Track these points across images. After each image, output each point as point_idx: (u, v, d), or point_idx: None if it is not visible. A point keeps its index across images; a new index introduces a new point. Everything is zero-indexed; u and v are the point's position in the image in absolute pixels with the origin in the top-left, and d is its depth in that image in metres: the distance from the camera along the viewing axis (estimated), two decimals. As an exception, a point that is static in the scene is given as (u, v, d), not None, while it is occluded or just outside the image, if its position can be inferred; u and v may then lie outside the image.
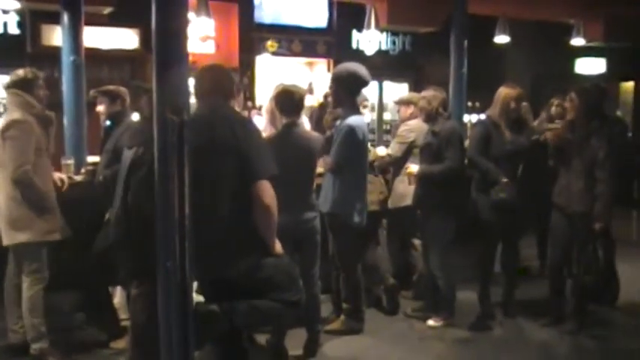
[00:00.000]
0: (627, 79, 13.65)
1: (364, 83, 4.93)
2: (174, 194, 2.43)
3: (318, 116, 6.40)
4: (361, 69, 4.90)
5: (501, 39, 8.07)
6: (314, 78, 11.33)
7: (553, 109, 6.27)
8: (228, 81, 3.39)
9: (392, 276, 5.66)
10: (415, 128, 5.65)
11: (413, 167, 5.33)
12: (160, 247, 2.51)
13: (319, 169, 4.90)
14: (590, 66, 12.79)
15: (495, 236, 5.38)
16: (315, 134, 4.90)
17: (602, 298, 5.64)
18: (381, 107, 11.92)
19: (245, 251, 3.03)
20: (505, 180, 5.13)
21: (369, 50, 10.16)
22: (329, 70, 11.20)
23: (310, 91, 11.01)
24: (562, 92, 5.98)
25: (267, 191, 3.05)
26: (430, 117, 5.28)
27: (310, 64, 11.84)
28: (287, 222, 4.08)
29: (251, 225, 3.06)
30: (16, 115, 4.34)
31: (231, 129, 3.07)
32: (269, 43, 10.94)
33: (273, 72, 10.88)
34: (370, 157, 5.35)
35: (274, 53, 10.99)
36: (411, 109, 5.86)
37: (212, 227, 2.94)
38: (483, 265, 5.47)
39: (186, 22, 2.64)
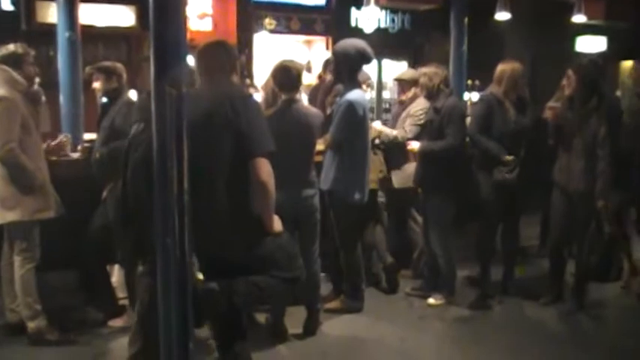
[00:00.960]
0: (628, 58, 13.58)
1: (367, 59, 4.88)
2: (172, 169, 2.38)
3: (313, 95, 6.34)
4: (363, 45, 4.86)
5: (502, 16, 7.98)
6: (312, 56, 11.23)
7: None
8: (230, 57, 3.34)
9: (391, 254, 5.64)
10: (426, 108, 5.54)
11: (414, 144, 5.28)
12: (159, 223, 2.46)
13: (319, 147, 4.87)
14: (591, 44, 12.71)
15: (496, 215, 5.36)
16: (315, 110, 4.85)
17: (605, 277, 5.62)
18: (380, 86, 11.84)
19: (244, 228, 3.00)
20: (508, 157, 5.11)
21: (368, 28, 10.04)
22: (327, 48, 11.09)
23: (308, 69, 10.92)
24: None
25: (264, 168, 3.02)
26: (431, 94, 5.23)
27: (308, 42, 11.74)
28: (286, 199, 4.05)
29: (249, 202, 3.03)
30: (0, 91, 4.27)
31: (231, 104, 3.04)
32: (267, 20, 10.83)
33: (271, 50, 10.78)
34: (371, 134, 5.30)
35: (272, 31, 10.88)
36: (413, 89, 5.78)
37: (210, 204, 2.91)
38: (483, 244, 5.45)
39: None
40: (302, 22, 11.14)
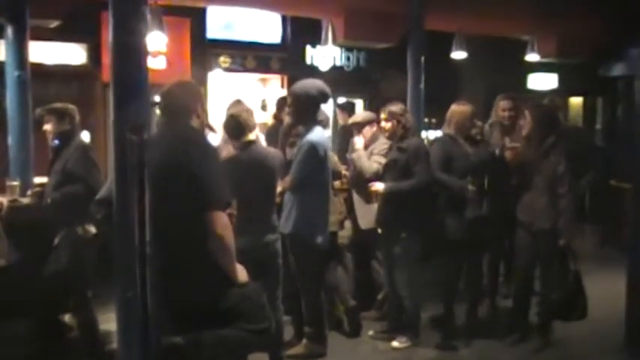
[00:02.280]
0: (577, 94, 13.94)
1: (326, 98, 4.86)
2: (134, 220, 2.27)
3: (271, 135, 6.30)
4: (322, 84, 4.85)
5: (458, 54, 8.11)
6: (268, 94, 11.21)
7: (500, 113, 6.14)
8: (193, 99, 3.24)
9: (353, 296, 5.56)
10: (387, 147, 5.52)
11: (378, 185, 5.23)
12: (120, 276, 2.35)
13: (279, 189, 4.80)
14: (543, 81, 13.03)
15: (463, 254, 5.35)
16: (274, 151, 4.81)
17: (570, 315, 5.62)
18: (337, 123, 11.83)
19: (207, 280, 2.88)
20: (472, 187, 5.14)
21: (324, 66, 10.09)
22: (283, 86, 11.09)
23: (264, 107, 10.90)
24: (510, 98, 5.98)
25: (219, 222, 2.91)
26: (394, 134, 5.23)
27: (264, 80, 11.72)
28: (248, 245, 3.97)
29: (212, 252, 2.92)
30: None
31: (186, 152, 2.93)
32: (222, 58, 10.78)
33: (226, 88, 10.72)
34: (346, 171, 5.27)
35: (227, 69, 10.83)
36: (374, 128, 5.79)
37: (171, 255, 2.79)
38: (449, 284, 5.43)
39: (145, 36, 2.50)
40: (257, 60, 11.11)
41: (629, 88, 9.15)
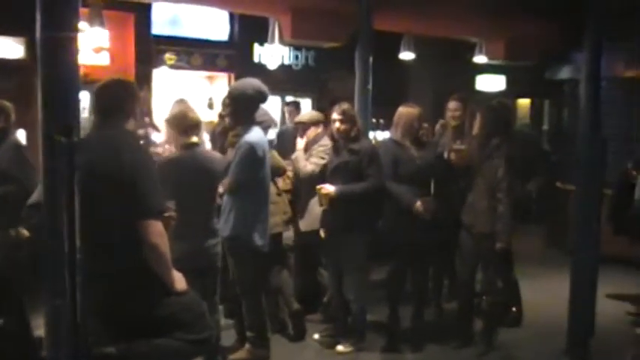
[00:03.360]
0: (524, 96, 14.19)
1: (264, 98, 4.83)
2: (63, 226, 2.20)
3: (214, 135, 6.25)
4: (259, 83, 4.80)
5: (406, 55, 8.16)
6: (214, 92, 11.13)
7: (448, 114, 6.21)
8: (128, 98, 3.11)
9: (298, 299, 5.55)
10: (328, 148, 5.52)
11: (328, 187, 5.21)
12: (49, 283, 2.27)
13: (219, 191, 4.75)
14: (491, 83, 13.24)
15: (410, 257, 5.37)
16: (217, 155, 4.77)
17: (502, 321, 5.71)
18: (284, 123, 11.80)
19: (142, 287, 2.81)
20: (419, 203, 5.15)
21: (272, 64, 10.07)
22: (230, 84, 11.00)
23: (210, 105, 10.81)
24: (458, 99, 6.04)
25: (152, 230, 2.84)
26: (349, 135, 5.22)
27: (210, 78, 11.63)
28: (189, 250, 3.92)
29: (146, 260, 2.85)
30: None
31: (119, 159, 2.82)
32: (167, 55, 10.65)
33: (171, 86, 10.60)
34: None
35: (172, 66, 10.71)
36: (319, 129, 5.77)
37: (104, 262, 2.71)
38: (394, 287, 5.44)
39: (76, 31, 2.41)
40: (204, 57, 11.03)
41: (574, 90, 9.33)
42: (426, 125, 6.00)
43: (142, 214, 2.82)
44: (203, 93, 11.15)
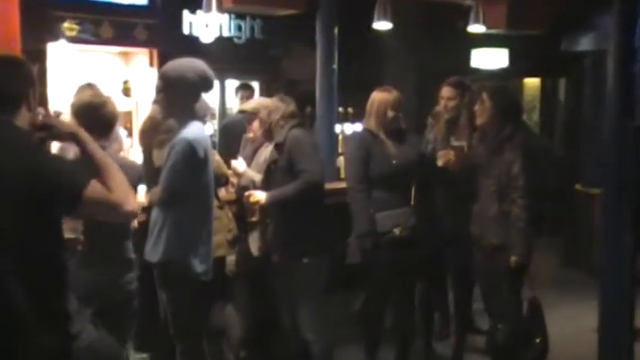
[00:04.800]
0: (532, 75, 14.38)
1: (208, 85, 4.88)
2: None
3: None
4: (201, 66, 4.84)
5: (381, 25, 8.21)
6: (131, 74, 11.09)
7: (440, 103, 6.31)
8: (21, 82, 3.03)
9: (247, 342, 5.59)
10: None
11: (259, 195, 5.29)
12: None
13: (140, 203, 4.77)
14: (490, 58, 13.33)
15: (386, 284, 5.45)
16: (130, 161, 4.82)
17: (524, 357, 5.81)
18: (224, 114, 11.85)
19: (39, 327, 2.83)
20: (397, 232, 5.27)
21: (207, 37, 10.09)
22: (152, 63, 10.98)
23: (126, 91, 10.78)
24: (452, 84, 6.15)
25: (96, 188, 2.83)
26: (269, 132, 5.38)
27: (126, 55, 11.55)
28: (96, 286, 4.04)
29: (47, 293, 2.88)
30: None
31: (13, 159, 2.80)
32: (66, 24, 10.55)
33: (73, 65, 10.51)
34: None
35: (74, 39, 10.60)
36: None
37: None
38: (369, 322, 5.53)
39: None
40: (116, 28, 10.93)
41: (598, 66, 9.45)
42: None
43: (77, 188, 2.81)
44: (116, 75, 11.09)
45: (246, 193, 5.36)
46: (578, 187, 9.17)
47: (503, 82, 5.68)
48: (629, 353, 5.52)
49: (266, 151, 5.73)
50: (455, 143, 5.61)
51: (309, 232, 5.17)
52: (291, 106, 5.46)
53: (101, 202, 2.85)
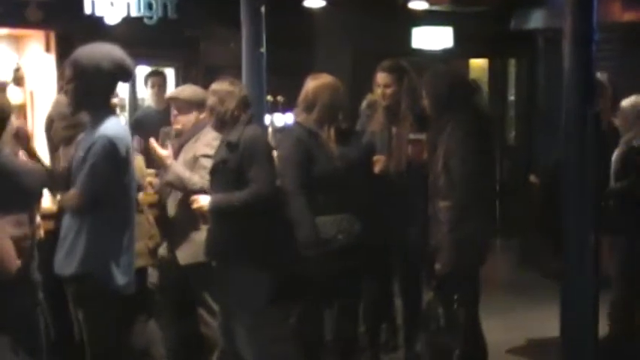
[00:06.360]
0: (480, 55, 14.55)
1: (124, 75, 4.93)
2: None
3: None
4: (118, 54, 4.88)
5: (313, 2, 8.25)
6: (24, 61, 10.98)
7: (376, 90, 6.36)
8: None
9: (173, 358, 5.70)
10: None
11: (202, 200, 5.36)
12: None
13: (47, 208, 4.82)
14: (433, 38, 13.40)
15: (325, 292, 5.59)
16: (31, 166, 4.84)
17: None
18: (135, 106, 11.76)
19: None
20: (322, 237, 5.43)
21: (112, 18, 10.05)
22: (48, 48, 10.89)
23: (18, 80, 10.64)
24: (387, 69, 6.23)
25: None
26: (224, 123, 5.39)
27: (17, 38, 11.43)
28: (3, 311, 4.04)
29: None
30: None
31: None
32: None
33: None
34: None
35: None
36: (200, 115, 5.86)
37: None
38: (307, 334, 5.64)
39: None
40: (2, 5, 10.83)
41: (553, 45, 9.60)
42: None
43: None
44: (5, 62, 10.96)
45: (191, 198, 5.41)
46: (532, 178, 9.34)
47: (441, 65, 5.72)
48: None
49: (195, 147, 5.81)
50: (414, 136, 5.71)
51: (252, 239, 5.26)
52: (244, 91, 5.53)
53: None
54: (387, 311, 6.64)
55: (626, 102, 6.66)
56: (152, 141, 5.81)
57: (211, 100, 5.42)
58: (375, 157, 5.84)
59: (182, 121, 5.93)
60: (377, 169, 5.81)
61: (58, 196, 5.22)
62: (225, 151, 5.36)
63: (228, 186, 5.32)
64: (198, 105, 5.87)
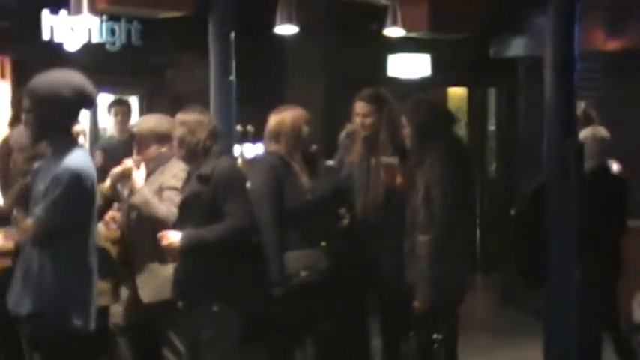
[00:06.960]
0: (458, 84, 14.61)
1: (86, 102, 4.93)
2: None
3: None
4: (79, 80, 4.86)
5: (284, 29, 8.26)
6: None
7: (355, 120, 6.39)
8: None
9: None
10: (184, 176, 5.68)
11: (173, 236, 5.34)
12: None
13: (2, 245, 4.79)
14: (410, 66, 13.42)
15: (290, 333, 5.58)
16: None
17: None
18: (96, 136, 11.71)
19: None
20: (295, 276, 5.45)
21: (73, 44, 10.02)
22: (4, 74, 10.85)
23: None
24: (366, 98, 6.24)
25: None
26: (194, 155, 5.39)
27: (-28, 64, 11.43)
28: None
29: None
30: None
31: None
32: None
33: None
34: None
35: None
36: (162, 147, 5.86)
37: None
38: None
39: None
40: (-42, 31, 10.82)
41: (533, 73, 9.66)
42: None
43: None
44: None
45: (159, 234, 5.38)
46: (513, 212, 9.38)
47: (420, 94, 5.75)
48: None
49: (161, 179, 5.80)
50: (386, 160, 5.73)
51: (221, 277, 5.26)
52: (213, 121, 5.55)
53: None
54: (366, 351, 6.62)
55: (583, 133, 6.65)
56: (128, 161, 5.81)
57: (180, 131, 5.43)
58: (342, 211, 5.84)
59: (145, 153, 5.91)
60: (344, 224, 5.83)
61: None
62: (196, 184, 5.37)
63: (200, 220, 5.32)
64: (161, 138, 5.89)
